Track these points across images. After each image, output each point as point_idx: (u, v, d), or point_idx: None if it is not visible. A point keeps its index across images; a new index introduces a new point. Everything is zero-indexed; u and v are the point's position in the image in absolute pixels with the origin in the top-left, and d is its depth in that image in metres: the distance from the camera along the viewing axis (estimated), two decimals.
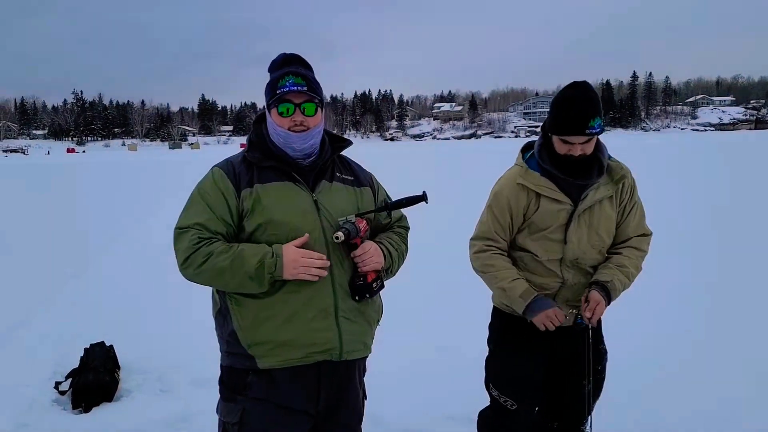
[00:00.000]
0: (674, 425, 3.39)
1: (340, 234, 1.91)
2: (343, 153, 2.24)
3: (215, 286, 1.97)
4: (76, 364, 4.12)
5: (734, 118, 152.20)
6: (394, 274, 2.23)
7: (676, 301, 5.64)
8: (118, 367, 4.19)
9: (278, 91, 1.96)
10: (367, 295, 2.01)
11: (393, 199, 2.18)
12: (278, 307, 1.93)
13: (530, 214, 2.48)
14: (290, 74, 1.97)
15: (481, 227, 2.58)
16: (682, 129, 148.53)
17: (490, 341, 2.78)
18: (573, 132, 2.29)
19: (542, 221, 2.45)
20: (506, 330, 2.64)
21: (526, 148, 2.64)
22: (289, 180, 2.02)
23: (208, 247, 1.90)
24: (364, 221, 2.05)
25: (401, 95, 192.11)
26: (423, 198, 2.04)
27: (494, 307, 2.77)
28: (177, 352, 4.50)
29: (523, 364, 2.59)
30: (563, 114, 2.31)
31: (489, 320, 2.79)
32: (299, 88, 1.96)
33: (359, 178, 2.20)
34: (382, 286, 2.11)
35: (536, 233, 2.48)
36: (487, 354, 2.77)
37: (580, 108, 2.27)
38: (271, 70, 2.05)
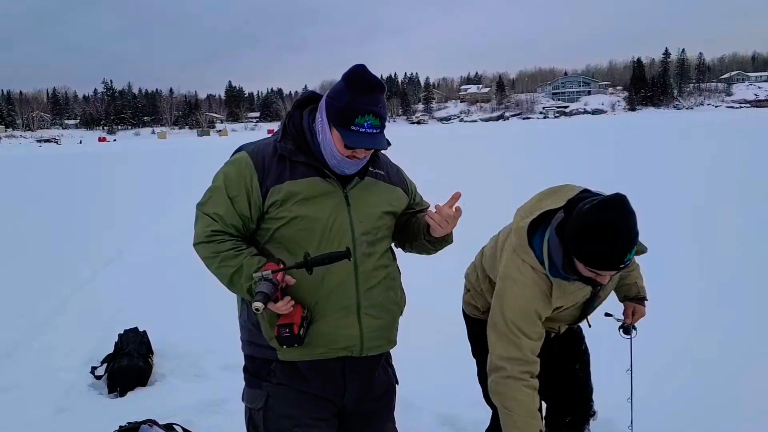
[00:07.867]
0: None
1: (259, 305, 1.69)
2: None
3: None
4: (111, 349, 4.20)
5: None
6: None
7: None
8: (152, 353, 4.26)
9: (353, 128, 1.83)
10: (296, 344, 1.88)
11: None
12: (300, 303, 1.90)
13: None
14: (371, 114, 1.82)
15: (512, 350, 2.15)
16: (716, 106, 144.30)
17: (475, 353, 2.67)
18: (606, 269, 1.95)
19: (563, 307, 2.31)
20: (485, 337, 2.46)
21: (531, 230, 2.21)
22: (320, 176, 1.95)
23: (219, 245, 1.89)
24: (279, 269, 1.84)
25: (427, 78, 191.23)
26: (346, 255, 1.82)
27: (464, 314, 2.67)
28: (209, 337, 4.55)
29: None
30: (595, 248, 1.91)
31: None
32: (374, 130, 1.85)
33: (390, 176, 2.13)
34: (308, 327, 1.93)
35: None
36: (477, 369, 2.67)
37: (616, 245, 1.88)
38: (350, 87, 1.84)
